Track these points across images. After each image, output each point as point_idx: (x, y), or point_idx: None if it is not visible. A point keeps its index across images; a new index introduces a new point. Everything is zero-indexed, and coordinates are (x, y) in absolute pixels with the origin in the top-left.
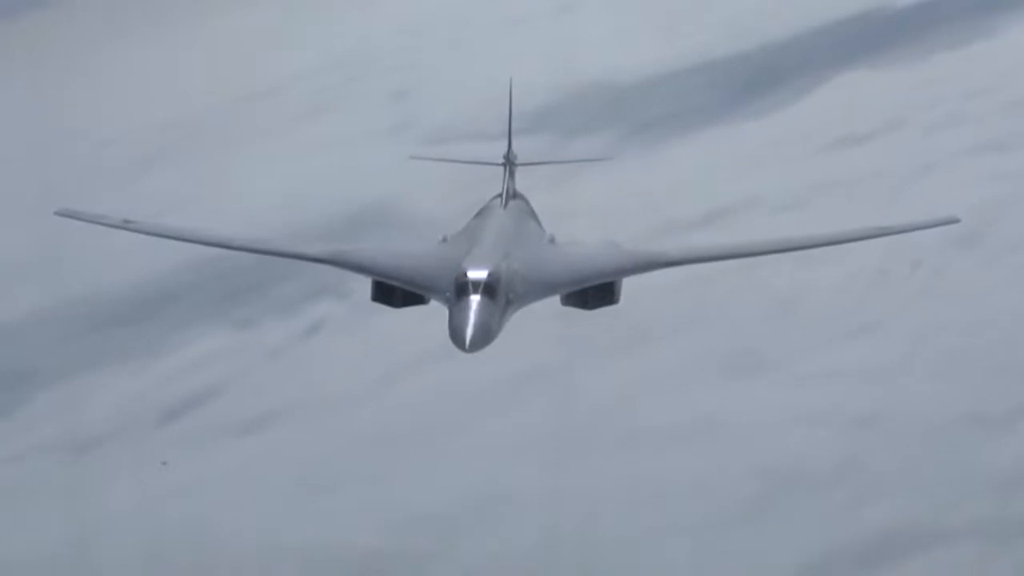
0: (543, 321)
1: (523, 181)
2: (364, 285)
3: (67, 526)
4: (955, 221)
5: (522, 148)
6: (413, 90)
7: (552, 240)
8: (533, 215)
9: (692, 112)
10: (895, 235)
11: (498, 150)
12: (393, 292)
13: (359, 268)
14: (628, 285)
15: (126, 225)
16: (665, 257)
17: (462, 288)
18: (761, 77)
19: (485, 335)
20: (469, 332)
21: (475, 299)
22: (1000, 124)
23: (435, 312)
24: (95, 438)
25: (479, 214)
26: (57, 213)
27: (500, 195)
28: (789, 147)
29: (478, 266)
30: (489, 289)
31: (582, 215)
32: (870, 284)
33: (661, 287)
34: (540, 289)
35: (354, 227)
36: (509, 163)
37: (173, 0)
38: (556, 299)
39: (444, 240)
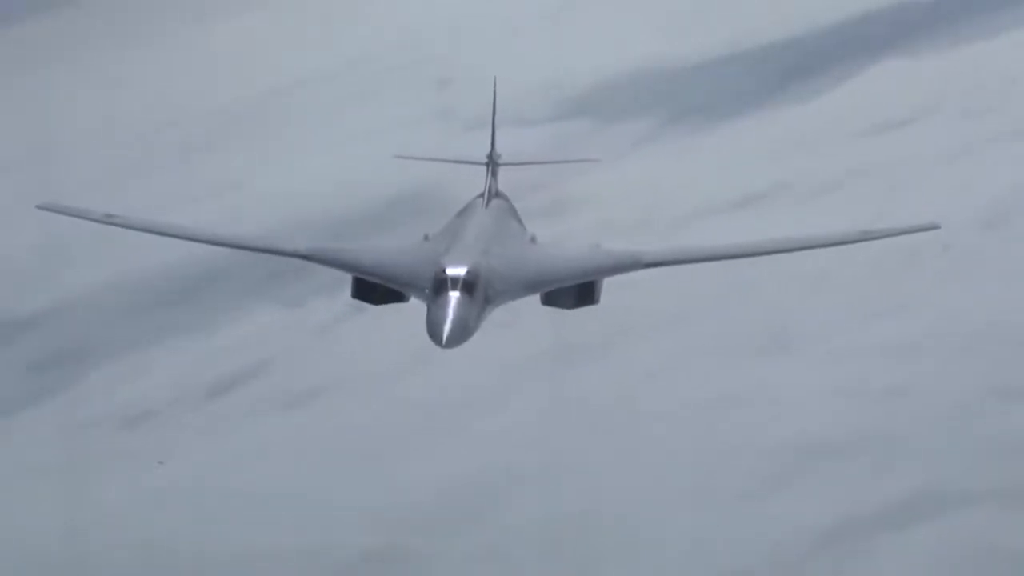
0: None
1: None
2: None
3: (122, 494)
4: (935, 227)
5: (562, 133)
6: (457, 78)
7: (533, 239)
8: (515, 214)
9: (731, 99)
10: (876, 240)
11: (536, 136)
12: (373, 289)
13: (340, 265)
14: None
15: (108, 220)
16: (645, 258)
17: (440, 284)
18: (799, 65)
19: (462, 331)
20: (447, 328)
21: (453, 296)
22: None
23: None
24: (147, 411)
25: (460, 213)
26: (39, 207)
27: (482, 194)
28: (826, 134)
29: (457, 263)
30: (467, 286)
31: (619, 198)
32: (900, 265)
33: (672, 278)
34: (519, 288)
35: (396, 211)
36: (492, 163)
37: None
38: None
39: (426, 239)
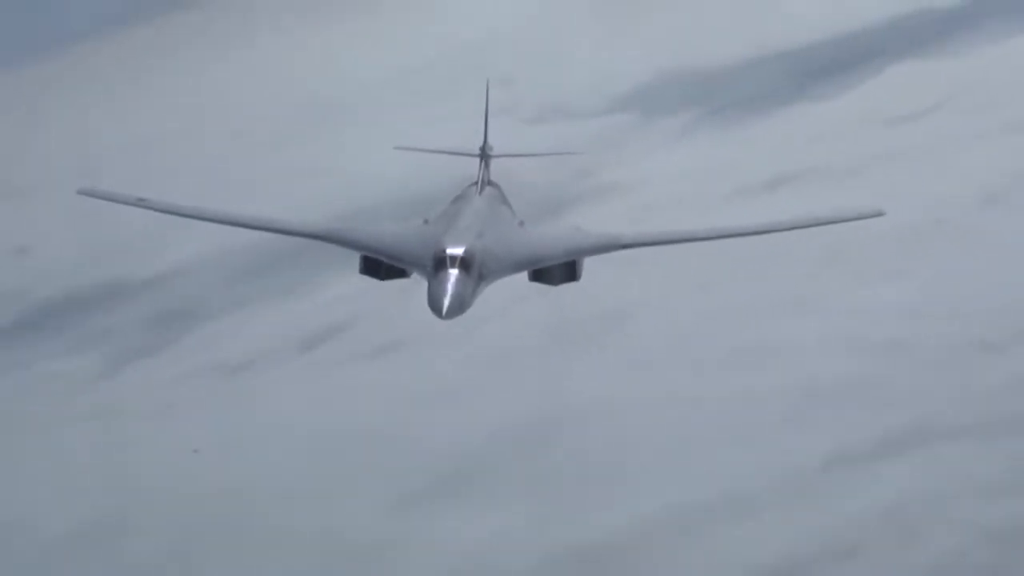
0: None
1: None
2: None
3: (224, 432)
4: (881, 214)
5: (608, 126)
6: (519, 78)
7: (522, 224)
8: (505, 201)
9: (763, 97)
10: (823, 225)
11: (580, 130)
12: (379, 266)
13: (350, 244)
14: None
15: (140, 203)
16: (621, 240)
17: (440, 262)
18: (824, 66)
19: (460, 304)
20: (446, 302)
21: (452, 273)
22: None
23: None
24: (247, 362)
25: (456, 199)
26: (79, 192)
27: (476, 183)
28: (848, 126)
29: (455, 244)
30: (464, 264)
31: (662, 183)
32: (900, 238)
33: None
34: (510, 266)
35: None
36: (485, 155)
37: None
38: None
39: (426, 222)
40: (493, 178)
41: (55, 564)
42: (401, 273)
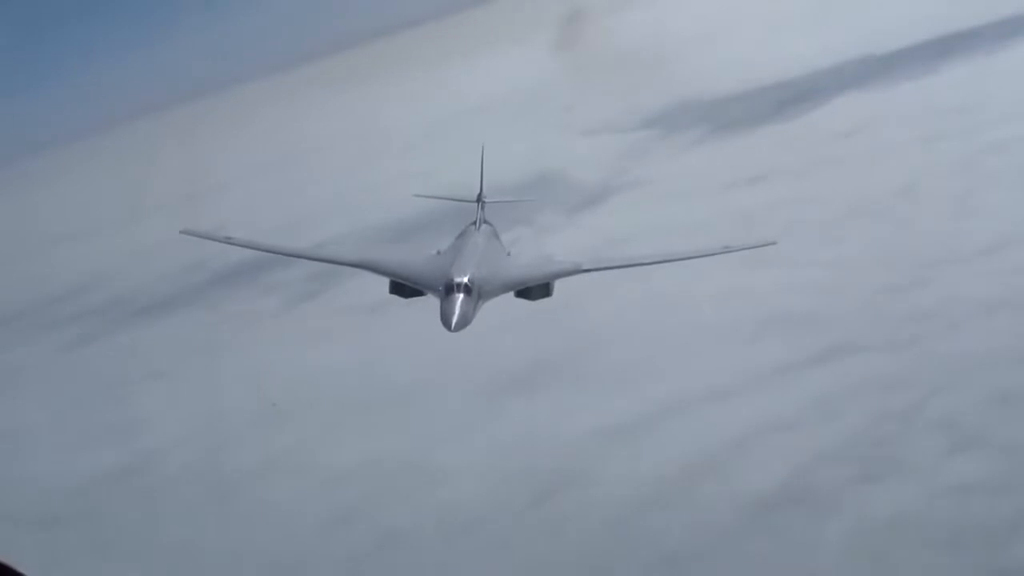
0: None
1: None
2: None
3: (362, 350)
4: (773, 243)
5: (640, 138)
6: (576, 105)
7: (509, 254)
8: (497, 236)
9: (749, 118)
10: (730, 253)
11: (626, 139)
12: (404, 288)
13: (381, 271)
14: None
15: (226, 240)
16: (583, 266)
17: (449, 287)
18: (792, 97)
19: (464, 320)
20: (454, 319)
21: (458, 296)
22: (938, 123)
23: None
24: (378, 303)
25: (460, 236)
26: (182, 232)
27: (474, 222)
28: (806, 139)
29: (460, 273)
30: (467, 289)
31: (676, 179)
32: (838, 216)
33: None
34: (500, 288)
35: (538, 185)
36: (481, 201)
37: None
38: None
39: (438, 253)
40: (488, 218)
41: (242, 435)
42: (420, 293)
